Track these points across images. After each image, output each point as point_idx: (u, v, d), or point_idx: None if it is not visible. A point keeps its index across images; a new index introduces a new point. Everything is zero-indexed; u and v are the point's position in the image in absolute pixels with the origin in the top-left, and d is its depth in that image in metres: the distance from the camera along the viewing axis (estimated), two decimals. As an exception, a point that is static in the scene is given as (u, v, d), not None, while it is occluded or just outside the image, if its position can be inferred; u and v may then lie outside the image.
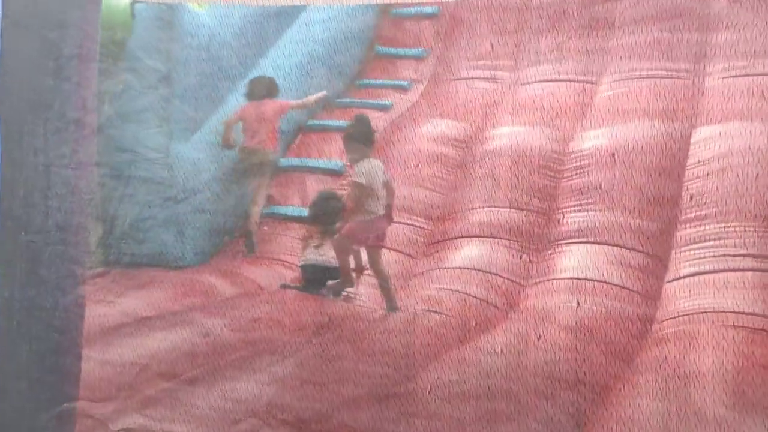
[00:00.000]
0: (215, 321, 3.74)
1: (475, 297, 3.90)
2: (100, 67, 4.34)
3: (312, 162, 4.96)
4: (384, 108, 5.73)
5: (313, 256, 3.59)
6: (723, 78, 4.48)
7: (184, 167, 4.42)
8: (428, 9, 5.84)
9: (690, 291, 3.48)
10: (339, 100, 5.71)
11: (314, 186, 4.62)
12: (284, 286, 3.68)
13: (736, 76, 4.64)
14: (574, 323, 3.37)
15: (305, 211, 4.05)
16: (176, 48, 4.42)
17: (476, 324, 3.65)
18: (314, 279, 3.58)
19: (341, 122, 5.45)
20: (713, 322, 3.38)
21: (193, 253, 4.62)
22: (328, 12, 5.32)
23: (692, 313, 3.48)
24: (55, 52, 3.20)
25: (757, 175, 3.70)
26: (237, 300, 4.14)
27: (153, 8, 4.42)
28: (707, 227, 3.72)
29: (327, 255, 3.59)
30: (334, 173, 5.21)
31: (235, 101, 4.69)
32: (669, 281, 3.64)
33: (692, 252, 3.71)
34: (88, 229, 4.44)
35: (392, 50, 6.03)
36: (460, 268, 4.17)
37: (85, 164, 3.23)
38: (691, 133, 4.16)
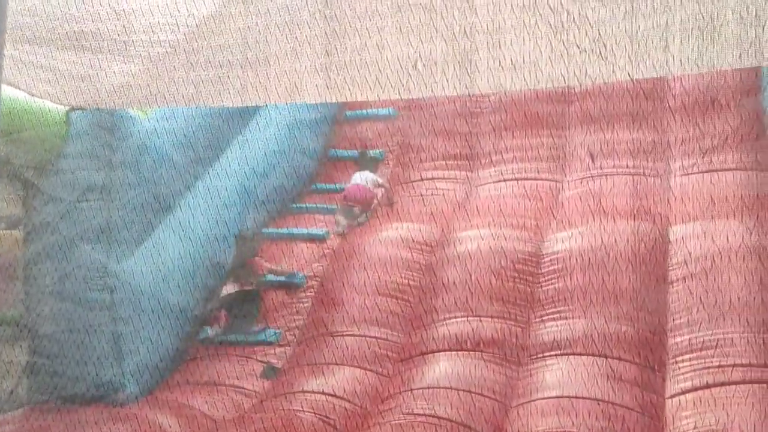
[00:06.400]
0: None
1: (454, 422, 3.47)
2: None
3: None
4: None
5: None
6: (685, 175, 4.35)
7: (125, 291, 3.97)
8: (384, 111, 5.73)
9: (695, 407, 3.14)
10: (294, 205, 5.43)
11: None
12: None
13: (699, 173, 4.49)
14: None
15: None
16: (117, 156, 4.10)
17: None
18: None
19: (298, 229, 5.14)
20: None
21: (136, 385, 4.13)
22: (283, 114, 5.14)
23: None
24: None
25: (744, 278, 3.48)
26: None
27: (91, 115, 4.12)
28: (699, 334, 3.44)
29: None
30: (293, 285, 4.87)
31: (186, 212, 4.37)
32: (671, 396, 3.30)
33: (688, 363, 3.40)
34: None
35: (346, 153, 5.83)
36: (434, 387, 3.76)
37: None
38: (668, 232, 3.96)
